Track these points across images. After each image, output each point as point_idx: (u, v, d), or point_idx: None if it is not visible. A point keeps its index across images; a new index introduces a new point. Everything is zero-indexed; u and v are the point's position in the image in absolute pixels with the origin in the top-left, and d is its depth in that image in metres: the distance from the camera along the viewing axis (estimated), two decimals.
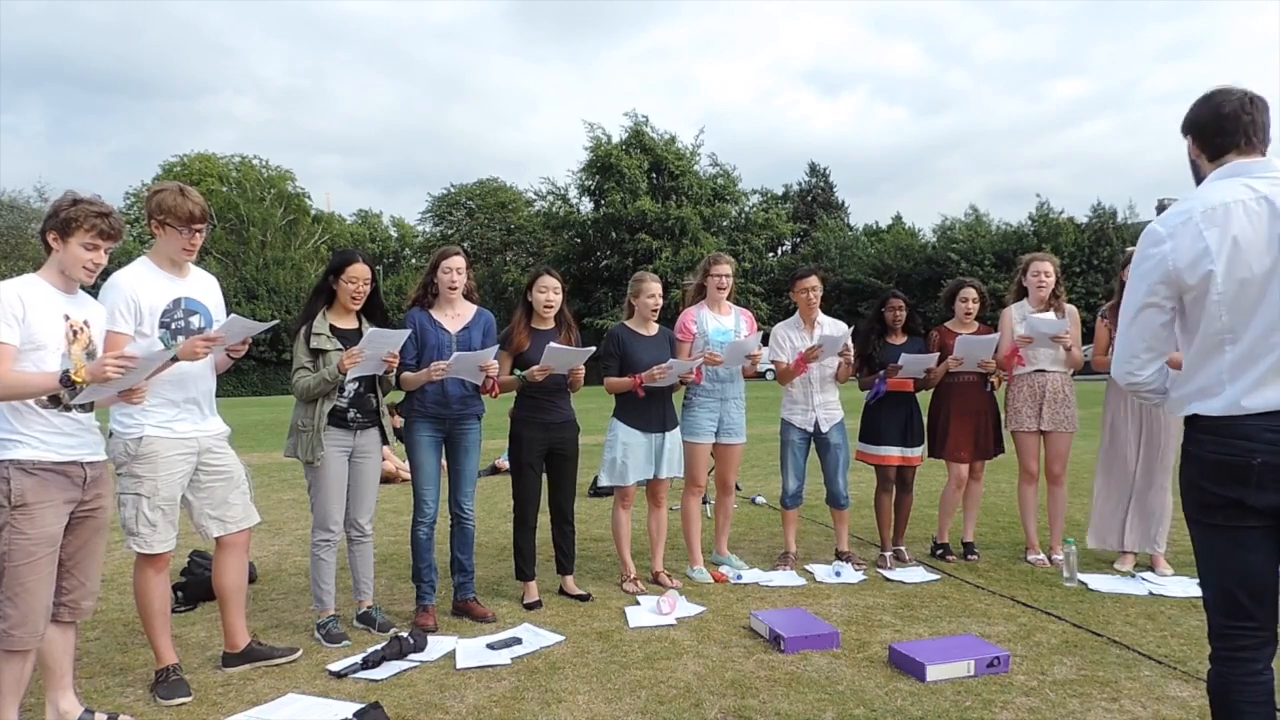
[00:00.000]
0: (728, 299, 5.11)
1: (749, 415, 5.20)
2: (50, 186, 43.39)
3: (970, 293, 5.37)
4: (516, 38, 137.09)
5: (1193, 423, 2.16)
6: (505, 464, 9.41)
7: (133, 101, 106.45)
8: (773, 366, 5.20)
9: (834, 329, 5.15)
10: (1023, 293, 5.28)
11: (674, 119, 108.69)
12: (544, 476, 4.57)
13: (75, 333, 2.88)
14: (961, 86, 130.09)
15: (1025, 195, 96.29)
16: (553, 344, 4.21)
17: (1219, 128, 2.20)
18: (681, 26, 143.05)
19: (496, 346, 4.23)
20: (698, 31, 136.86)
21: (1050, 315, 5.10)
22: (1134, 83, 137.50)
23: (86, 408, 2.93)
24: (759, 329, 5.15)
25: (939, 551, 5.40)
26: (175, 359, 3.11)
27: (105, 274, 3.31)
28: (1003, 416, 5.34)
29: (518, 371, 4.31)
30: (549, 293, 4.45)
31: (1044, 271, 5.15)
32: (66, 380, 2.70)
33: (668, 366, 4.46)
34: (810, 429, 5.12)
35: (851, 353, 5.07)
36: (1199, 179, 2.28)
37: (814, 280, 5.13)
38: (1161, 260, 2.15)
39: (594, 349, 4.45)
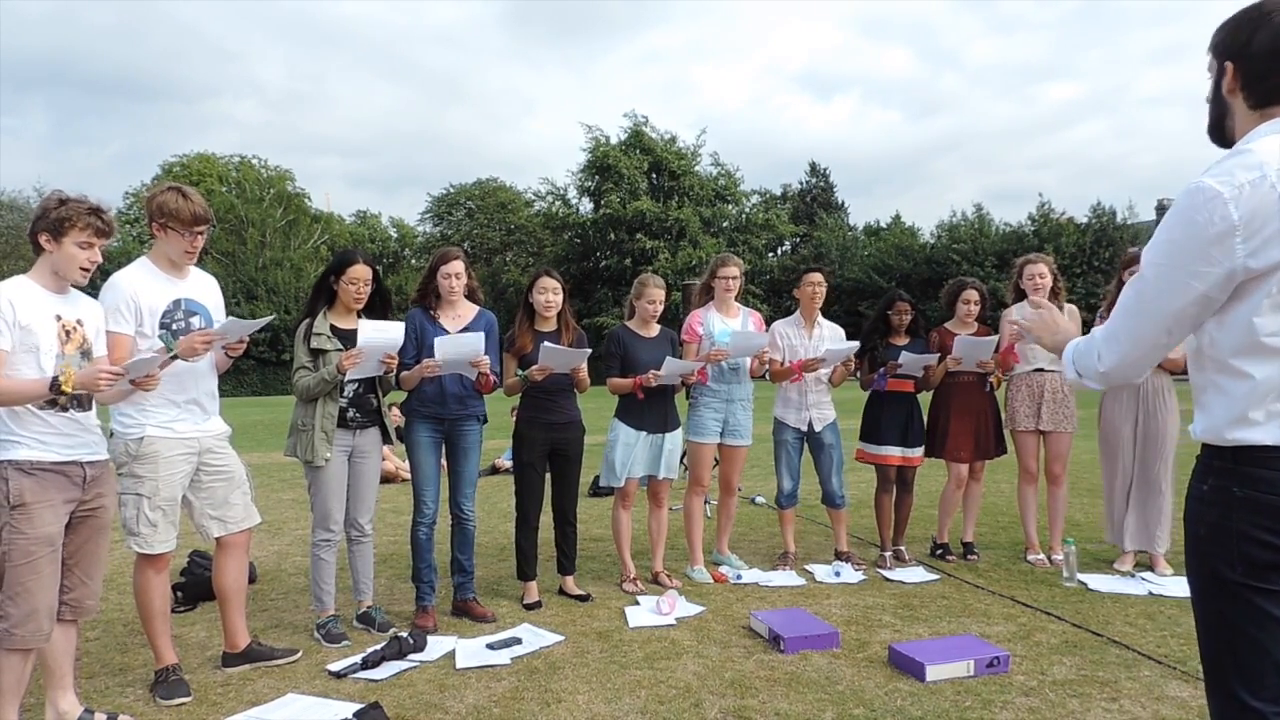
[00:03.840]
0: (735, 299, 5.13)
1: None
2: (49, 187, 43.18)
3: (973, 294, 5.36)
4: (513, 41, 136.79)
5: (1242, 455, 1.56)
6: (505, 464, 9.41)
7: (134, 104, 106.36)
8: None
9: (835, 336, 5.18)
10: (1021, 295, 5.27)
11: (671, 121, 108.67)
12: (547, 476, 4.57)
13: (68, 333, 2.87)
14: (954, 90, 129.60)
15: (1020, 196, 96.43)
16: (547, 344, 4.21)
17: None
18: (676, 31, 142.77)
19: (483, 335, 4.17)
20: (692, 36, 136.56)
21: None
22: (1124, 86, 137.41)
23: (85, 406, 2.92)
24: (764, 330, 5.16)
25: (939, 551, 5.40)
26: (175, 356, 3.11)
27: (105, 274, 3.31)
28: (1003, 416, 5.35)
29: (519, 372, 4.31)
30: (548, 293, 4.45)
31: (1038, 274, 5.14)
32: (56, 387, 2.69)
33: (662, 375, 4.46)
34: (804, 428, 5.13)
35: (854, 364, 5.13)
36: (1221, 124, 1.68)
37: (819, 276, 5.22)
38: (1227, 232, 1.49)
39: (589, 350, 4.45)
